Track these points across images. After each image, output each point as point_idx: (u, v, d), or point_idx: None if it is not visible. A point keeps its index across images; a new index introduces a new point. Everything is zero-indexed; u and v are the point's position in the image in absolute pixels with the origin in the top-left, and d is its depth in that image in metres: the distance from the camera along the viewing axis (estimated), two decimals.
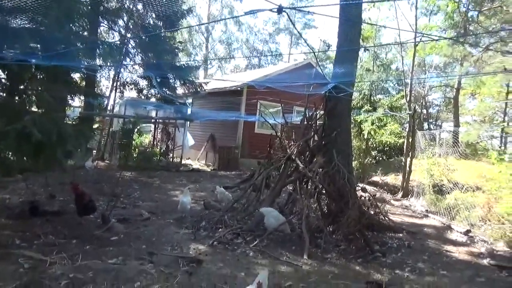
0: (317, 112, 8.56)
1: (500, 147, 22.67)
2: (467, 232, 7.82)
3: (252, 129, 16.73)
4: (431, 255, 6.32)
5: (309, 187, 7.40)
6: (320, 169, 7.33)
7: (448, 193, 9.92)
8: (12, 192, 7.93)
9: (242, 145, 16.29)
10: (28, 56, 4.57)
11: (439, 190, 10.57)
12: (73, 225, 6.11)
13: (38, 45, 5.16)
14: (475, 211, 8.46)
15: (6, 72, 6.29)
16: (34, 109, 6.48)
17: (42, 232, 5.62)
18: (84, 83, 13.17)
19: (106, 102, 16.58)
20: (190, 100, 19.28)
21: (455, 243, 7.32)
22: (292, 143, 8.44)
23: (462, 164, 11.89)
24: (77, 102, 17.46)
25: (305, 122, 8.63)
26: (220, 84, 18.10)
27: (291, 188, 8.04)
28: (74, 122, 6.99)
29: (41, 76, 6.66)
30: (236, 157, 15.95)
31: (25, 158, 5.17)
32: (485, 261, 6.19)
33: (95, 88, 15.21)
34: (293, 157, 7.61)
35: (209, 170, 15.19)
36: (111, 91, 16.89)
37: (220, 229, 6.46)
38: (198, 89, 16.01)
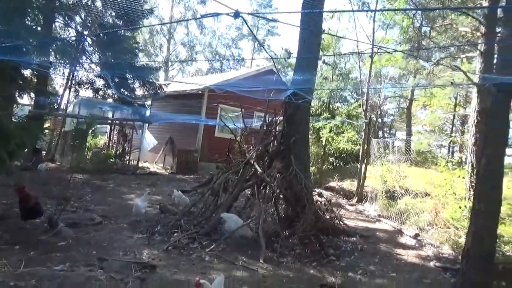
0: (277, 118, 8.65)
1: (448, 155, 24.02)
2: (415, 236, 8.18)
3: (212, 133, 16.62)
4: (382, 258, 6.54)
5: (267, 191, 7.44)
6: (278, 174, 7.39)
7: (400, 198, 10.34)
8: None
9: (201, 149, 16.13)
10: None
11: (391, 196, 10.99)
12: (16, 229, 5.74)
13: None
14: (424, 216, 8.87)
15: None
16: None
17: None
18: (35, 80, 12.51)
19: (59, 101, 15.82)
20: (149, 102, 18.85)
21: (404, 246, 7.63)
22: (251, 148, 8.46)
23: (413, 171, 12.46)
24: (26, 100, 16.56)
25: (265, 128, 8.69)
26: (181, 87, 17.85)
27: (249, 192, 8.04)
28: (21, 121, 6.58)
29: None
30: (195, 161, 15.75)
31: None
32: (432, 264, 6.50)
33: (47, 86, 14.47)
34: (252, 162, 7.62)
35: (167, 173, 14.89)
36: (64, 90, 16.16)
37: (175, 234, 6.32)
38: (158, 91, 15.68)
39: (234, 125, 10.82)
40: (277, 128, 8.67)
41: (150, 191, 8.54)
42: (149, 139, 15.89)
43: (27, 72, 11.50)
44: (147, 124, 16.17)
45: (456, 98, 27.51)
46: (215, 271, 4.91)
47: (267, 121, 8.83)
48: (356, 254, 6.60)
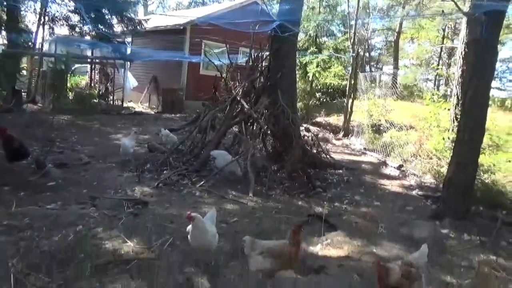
0: (263, 53, 8.40)
1: (433, 88, 24.16)
2: (399, 167, 8.45)
3: (197, 70, 16.19)
4: (367, 189, 6.79)
5: (254, 128, 7.44)
6: (265, 110, 7.35)
7: (385, 132, 10.52)
8: None
9: (186, 87, 15.81)
10: None
11: (377, 130, 11.17)
12: (3, 171, 5.69)
13: None
14: (408, 148, 9.11)
15: None
16: None
17: None
18: (5, 17, 11.70)
19: (33, 40, 14.94)
20: (129, 39, 18.00)
21: (389, 177, 7.90)
22: (238, 84, 8.30)
23: (399, 105, 12.57)
24: None
25: (251, 63, 8.45)
26: (162, 22, 17.00)
27: (237, 129, 8.04)
28: None
29: None
30: (181, 100, 15.51)
31: None
32: (414, 192, 6.79)
33: (19, 23, 13.55)
34: (239, 99, 7.52)
35: (153, 113, 14.70)
36: (38, 27, 15.18)
37: (165, 171, 6.38)
38: (138, 27, 14.91)
39: (220, 61, 10.49)
40: (264, 63, 8.46)
41: (136, 130, 8.46)
42: (131, 79, 15.42)
43: None
44: (129, 63, 15.58)
45: (444, 30, 27.04)
46: (206, 205, 5.04)
47: (253, 56, 8.58)
48: (342, 185, 6.83)
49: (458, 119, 6.00)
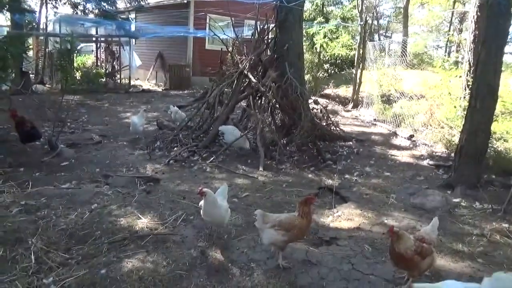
0: (268, 25, 8.23)
1: (444, 55, 23.58)
2: (410, 137, 8.38)
3: (202, 45, 16.00)
4: (377, 160, 6.78)
5: (262, 102, 7.40)
6: (273, 83, 7.28)
7: (395, 102, 10.37)
8: None
9: (193, 63, 15.68)
10: None
11: (387, 100, 11.01)
12: (18, 153, 5.80)
13: None
14: (418, 117, 8.99)
15: None
16: None
17: None
18: None
19: (37, 19, 14.84)
20: (133, 15, 17.78)
21: (399, 147, 7.86)
22: (244, 58, 8.19)
23: (409, 74, 12.30)
24: (2, 20, 15.56)
25: (257, 36, 8.31)
26: None
27: (245, 104, 8.00)
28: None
29: None
30: (188, 76, 15.44)
31: None
32: (425, 162, 6.76)
33: (22, 3, 13.43)
34: (246, 72, 7.44)
35: (160, 90, 14.68)
36: (41, 7, 15.06)
37: (175, 148, 6.44)
38: (141, 2, 14.70)
39: (225, 34, 10.33)
40: (270, 35, 8.31)
41: (145, 108, 8.47)
42: (136, 57, 15.32)
43: None
44: (134, 40, 15.45)
45: None
46: (217, 181, 5.10)
47: (258, 28, 8.42)
48: (352, 157, 6.82)
49: (470, 86, 5.88)
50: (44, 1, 14.76)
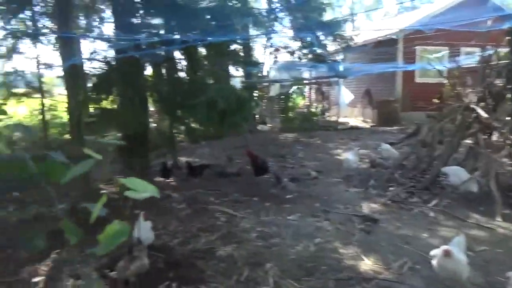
0: (497, 50, 7.19)
1: None
2: None
3: (411, 79, 15.28)
4: None
5: (494, 139, 6.40)
6: (509, 118, 6.23)
7: None
8: (199, 156, 9.24)
9: (402, 98, 15.11)
10: (206, 35, 5.08)
11: None
12: (251, 184, 6.78)
13: (213, 22, 5.65)
14: None
15: (183, 52, 7.17)
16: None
17: (228, 190, 6.42)
18: (241, 54, 14.09)
19: (261, 69, 17.44)
20: (341, 56, 18.70)
21: None
22: (469, 90, 7.35)
23: None
24: (235, 72, 18.92)
25: (483, 64, 7.35)
26: (371, 35, 16.93)
27: (470, 142, 7.09)
28: (241, 90, 7.59)
29: (211, 52, 7.34)
30: (396, 111, 14.93)
31: (211, 125, 5.90)
32: None
33: (251, 57, 16.10)
34: (472, 106, 6.62)
35: (368, 126, 14.68)
36: (264, 58, 17.66)
37: (391, 188, 6.21)
38: (350, 43, 15.31)
39: (440, 65, 9.57)
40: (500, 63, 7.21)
41: (359, 147, 8.54)
42: (346, 94, 15.87)
43: (233, 47, 13.08)
44: (342, 79, 16.15)
45: None
46: (444, 228, 4.61)
47: (485, 56, 7.44)
48: None
49: None
50: (267, 52, 17.27)
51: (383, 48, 15.50)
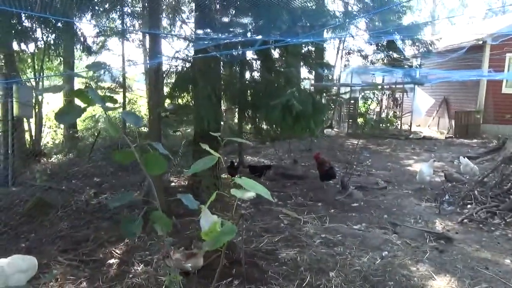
0: None
1: None
2: None
3: (497, 88, 14.01)
4: None
5: None
6: None
7: None
8: (263, 156, 9.34)
9: (485, 109, 13.94)
10: (286, 36, 5.08)
11: None
12: (316, 189, 6.68)
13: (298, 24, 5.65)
14: None
15: (257, 52, 7.25)
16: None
17: (292, 193, 6.40)
18: (313, 54, 13.93)
19: (332, 71, 17.11)
20: (418, 62, 17.72)
21: None
22: None
23: None
24: (304, 73, 18.80)
25: None
26: (454, 40, 15.82)
27: None
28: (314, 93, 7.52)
29: (285, 53, 7.35)
30: (477, 123, 13.82)
31: (284, 128, 5.91)
32: None
33: (323, 59, 15.87)
34: None
35: (443, 137, 13.74)
36: (336, 61, 17.31)
37: (469, 206, 5.76)
38: (430, 48, 14.42)
39: None
40: None
41: (435, 159, 8.00)
42: (423, 101, 15.00)
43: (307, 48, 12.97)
44: (417, 86, 15.29)
45: None
46: None
47: None
48: None
49: None
50: (339, 56, 16.92)
51: (466, 55, 14.41)
